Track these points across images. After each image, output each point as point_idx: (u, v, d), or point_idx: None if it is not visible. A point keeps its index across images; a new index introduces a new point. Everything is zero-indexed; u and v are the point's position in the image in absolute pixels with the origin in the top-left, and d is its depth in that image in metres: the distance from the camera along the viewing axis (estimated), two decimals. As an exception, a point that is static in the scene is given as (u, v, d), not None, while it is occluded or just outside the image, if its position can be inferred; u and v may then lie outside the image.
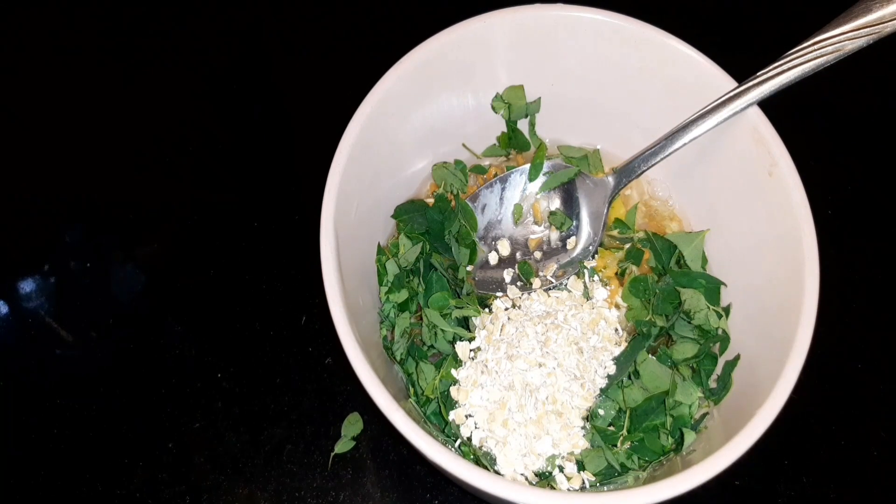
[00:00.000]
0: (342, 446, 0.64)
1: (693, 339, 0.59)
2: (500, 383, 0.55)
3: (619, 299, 0.63)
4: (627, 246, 0.65)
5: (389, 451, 0.65)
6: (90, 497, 0.63)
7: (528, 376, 0.55)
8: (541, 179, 0.66)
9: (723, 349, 0.59)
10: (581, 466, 0.55)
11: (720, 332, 0.59)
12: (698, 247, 0.63)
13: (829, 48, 0.54)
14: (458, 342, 0.59)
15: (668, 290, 0.61)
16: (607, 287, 0.63)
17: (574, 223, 0.65)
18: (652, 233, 0.65)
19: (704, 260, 0.63)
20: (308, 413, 0.66)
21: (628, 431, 0.56)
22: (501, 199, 0.67)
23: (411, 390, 0.59)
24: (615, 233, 0.66)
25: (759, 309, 0.57)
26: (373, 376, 0.48)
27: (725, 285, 0.61)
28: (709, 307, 0.59)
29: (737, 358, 0.57)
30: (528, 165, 0.66)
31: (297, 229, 0.74)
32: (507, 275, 0.64)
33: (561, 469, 0.54)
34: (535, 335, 0.57)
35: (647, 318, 0.60)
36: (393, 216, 0.63)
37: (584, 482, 0.54)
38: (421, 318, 0.60)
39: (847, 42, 0.54)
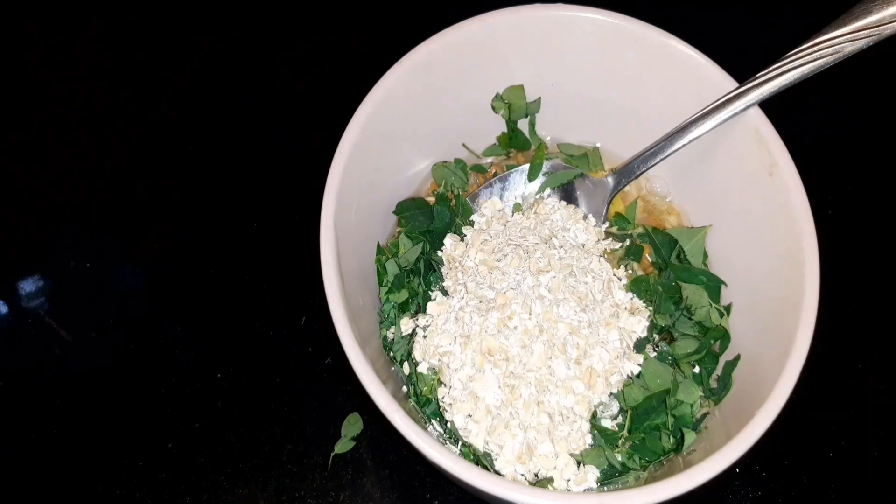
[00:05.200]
0: (342, 446, 0.64)
1: (694, 336, 0.59)
2: (502, 380, 0.55)
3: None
4: (627, 243, 0.65)
5: (389, 452, 0.65)
6: (90, 497, 0.63)
7: (531, 375, 0.55)
8: (540, 179, 0.66)
9: (723, 348, 0.59)
10: (581, 466, 0.55)
11: (720, 328, 0.59)
12: (699, 242, 0.63)
13: (829, 50, 0.54)
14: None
15: (668, 284, 0.61)
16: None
17: None
18: (651, 227, 0.65)
19: (705, 256, 0.63)
20: (308, 413, 0.66)
21: (629, 431, 0.56)
22: (501, 198, 0.67)
23: (411, 390, 0.59)
24: (614, 229, 0.66)
25: (760, 309, 0.57)
26: (373, 376, 0.48)
27: (726, 284, 0.61)
28: (710, 304, 0.59)
29: (737, 358, 0.57)
30: (527, 165, 0.66)
31: (297, 229, 0.74)
32: None
33: (561, 469, 0.54)
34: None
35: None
36: (395, 212, 0.63)
37: (584, 482, 0.54)
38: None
39: (847, 44, 0.54)
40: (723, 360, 0.59)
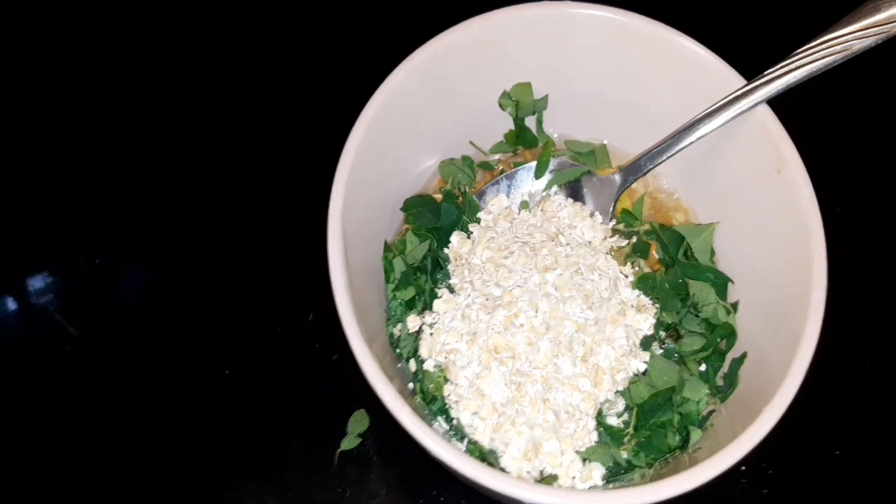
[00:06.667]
0: (348, 443, 0.64)
1: (701, 334, 0.59)
2: (507, 377, 0.55)
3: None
4: (633, 240, 0.65)
5: (396, 448, 0.65)
6: (90, 497, 0.63)
7: (537, 373, 0.55)
8: (547, 177, 0.66)
9: (730, 345, 0.59)
10: (587, 463, 0.55)
11: (727, 325, 0.59)
12: (707, 239, 0.63)
13: (838, 47, 0.54)
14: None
15: (675, 281, 0.61)
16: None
17: None
18: (658, 224, 0.65)
19: (712, 253, 0.63)
20: (314, 410, 0.66)
21: (635, 429, 0.56)
22: (508, 196, 0.67)
23: (417, 387, 0.59)
24: (621, 226, 0.66)
25: (767, 307, 0.57)
26: (380, 374, 0.48)
27: (733, 282, 0.61)
28: (718, 301, 0.59)
29: (743, 356, 0.57)
30: (535, 163, 0.66)
31: (303, 227, 0.74)
32: None
33: (567, 466, 0.55)
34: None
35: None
36: (402, 209, 0.63)
37: (590, 479, 0.54)
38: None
39: (855, 42, 0.54)
40: (729, 357, 0.59)
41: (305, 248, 0.72)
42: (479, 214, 0.64)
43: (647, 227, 0.65)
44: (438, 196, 0.66)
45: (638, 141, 0.66)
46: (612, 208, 0.65)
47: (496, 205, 0.65)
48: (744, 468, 0.64)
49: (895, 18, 0.53)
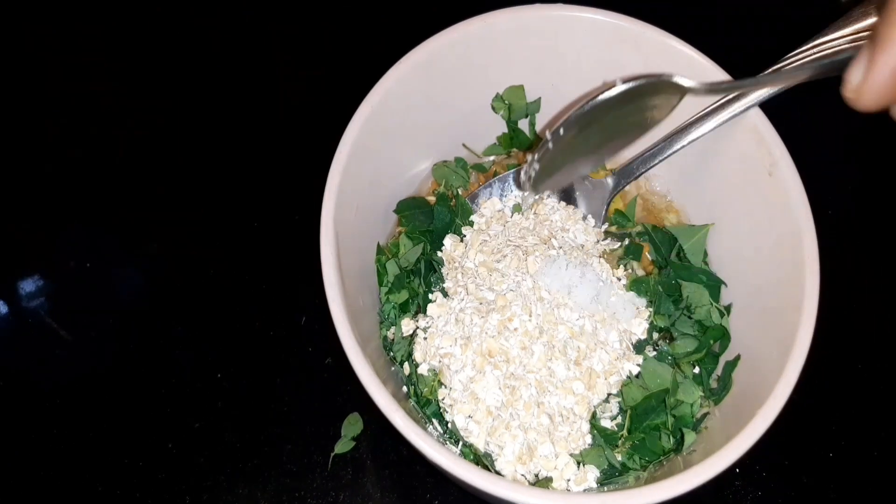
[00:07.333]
0: (342, 446, 0.64)
1: (694, 336, 0.59)
2: (501, 380, 0.55)
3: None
4: (626, 242, 0.65)
5: (389, 452, 0.65)
6: (90, 497, 0.63)
7: (531, 377, 0.55)
8: (539, 180, 0.67)
9: (723, 348, 0.59)
10: (581, 466, 0.55)
11: (719, 327, 0.59)
12: (700, 241, 0.63)
13: (829, 52, 0.54)
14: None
15: (668, 283, 0.61)
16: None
17: None
18: (651, 225, 0.65)
19: (705, 255, 0.63)
20: (308, 413, 0.66)
21: (629, 431, 0.56)
22: (501, 199, 0.67)
23: (411, 390, 0.59)
24: (613, 228, 0.66)
25: (760, 309, 0.57)
26: (373, 377, 0.48)
27: (726, 284, 0.61)
28: (711, 303, 0.59)
29: (737, 358, 0.57)
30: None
31: (297, 229, 0.74)
32: None
33: (561, 469, 0.54)
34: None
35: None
36: (395, 211, 0.63)
37: (584, 482, 0.54)
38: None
39: (846, 46, 0.54)
40: (723, 360, 0.59)
41: (298, 250, 0.72)
42: (472, 217, 0.64)
43: (639, 228, 0.65)
44: (432, 198, 0.66)
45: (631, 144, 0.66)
46: (604, 212, 0.65)
47: (488, 208, 0.65)
48: (738, 470, 0.64)
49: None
